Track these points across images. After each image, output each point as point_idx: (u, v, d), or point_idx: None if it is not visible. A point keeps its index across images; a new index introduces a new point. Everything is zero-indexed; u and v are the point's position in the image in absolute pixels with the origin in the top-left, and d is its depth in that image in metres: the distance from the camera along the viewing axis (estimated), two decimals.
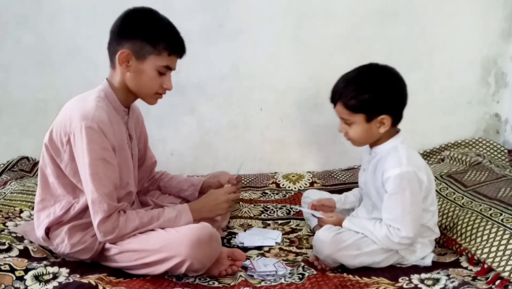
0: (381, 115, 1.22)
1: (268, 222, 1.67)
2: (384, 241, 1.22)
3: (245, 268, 1.28)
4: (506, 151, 2.07)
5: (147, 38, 1.20)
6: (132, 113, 1.37)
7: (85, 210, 1.23)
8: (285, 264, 1.30)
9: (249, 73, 2.10)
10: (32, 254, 1.28)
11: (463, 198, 1.57)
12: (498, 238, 1.25)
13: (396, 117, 1.25)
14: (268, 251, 1.43)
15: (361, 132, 1.25)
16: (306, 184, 1.99)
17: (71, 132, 1.16)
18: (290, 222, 1.67)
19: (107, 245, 1.22)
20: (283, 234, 1.54)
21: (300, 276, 1.22)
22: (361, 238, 1.25)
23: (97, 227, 1.17)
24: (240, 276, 1.22)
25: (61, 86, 2.09)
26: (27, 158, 2.10)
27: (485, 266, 1.20)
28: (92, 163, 1.14)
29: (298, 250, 1.44)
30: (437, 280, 1.16)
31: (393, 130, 1.27)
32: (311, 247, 1.43)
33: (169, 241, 1.16)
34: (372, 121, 1.23)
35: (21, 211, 1.53)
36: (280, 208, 1.78)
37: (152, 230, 1.21)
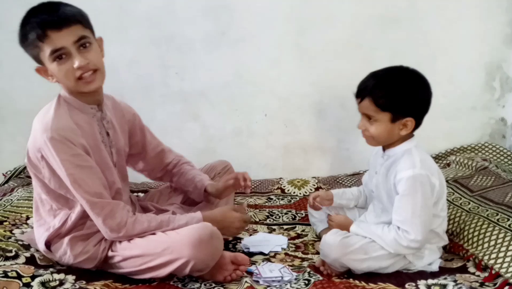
0: (406, 117, 1.23)
1: (274, 227, 1.67)
2: (392, 244, 1.22)
3: (250, 274, 1.27)
4: None
5: (24, 45, 1.16)
6: (111, 109, 1.32)
7: (83, 219, 1.23)
8: (291, 269, 1.29)
9: (252, 80, 2.11)
10: (38, 261, 1.28)
11: (469, 203, 1.56)
12: (505, 243, 1.25)
13: (418, 122, 1.26)
14: (274, 256, 1.42)
15: (383, 131, 1.24)
16: (311, 190, 1.98)
17: (41, 148, 1.15)
18: (295, 227, 1.66)
19: (110, 253, 1.22)
20: (288, 239, 1.54)
21: (306, 281, 1.22)
22: (369, 243, 1.24)
23: (102, 225, 1.17)
24: (246, 281, 1.21)
25: None
26: None
27: (493, 271, 1.19)
28: (68, 173, 1.14)
29: (304, 256, 1.43)
30: (444, 286, 1.15)
31: (408, 134, 1.28)
32: (317, 253, 1.43)
33: (171, 243, 1.16)
34: (396, 122, 1.23)
35: (27, 218, 1.54)
36: (286, 213, 1.78)
37: (153, 233, 1.20)
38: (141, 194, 1.87)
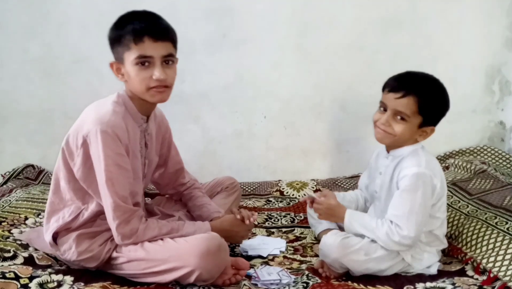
0: (431, 126, 1.25)
1: (272, 230, 1.67)
2: (384, 239, 1.22)
3: (249, 277, 1.27)
4: (511, 158, 2.06)
5: (115, 40, 1.20)
6: (154, 121, 1.35)
7: (94, 218, 1.24)
8: (289, 272, 1.29)
9: (253, 82, 2.11)
10: (37, 261, 1.28)
11: (468, 206, 1.56)
12: (504, 246, 1.25)
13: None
14: (272, 260, 1.42)
15: (407, 133, 1.24)
16: (310, 192, 1.98)
17: (87, 136, 1.17)
18: (294, 230, 1.66)
19: (114, 254, 1.23)
20: (287, 242, 1.54)
21: (305, 284, 1.22)
22: (369, 243, 1.24)
23: (115, 230, 1.18)
24: (244, 284, 1.22)
25: (67, 96, 2.11)
26: (32, 165, 2.12)
27: (491, 275, 1.19)
28: (107, 169, 1.15)
29: (302, 258, 1.43)
30: None
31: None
32: (315, 255, 1.43)
33: (178, 250, 1.16)
34: (421, 128, 1.25)
35: (26, 218, 1.55)
36: (284, 216, 1.78)
37: (161, 239, 1.21)
38: None
